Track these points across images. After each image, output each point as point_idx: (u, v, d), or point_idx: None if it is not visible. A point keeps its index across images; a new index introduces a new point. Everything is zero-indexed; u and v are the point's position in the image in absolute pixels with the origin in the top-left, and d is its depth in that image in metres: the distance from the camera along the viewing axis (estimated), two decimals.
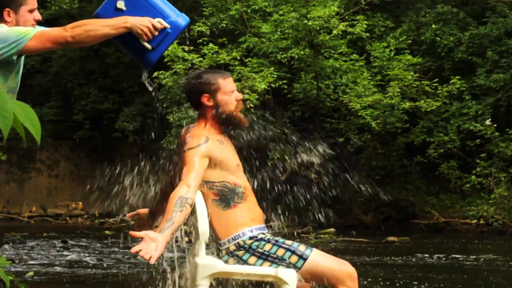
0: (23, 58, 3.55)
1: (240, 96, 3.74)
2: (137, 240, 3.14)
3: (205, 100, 3.70)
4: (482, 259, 10.36)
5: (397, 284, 8.04)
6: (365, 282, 7.98)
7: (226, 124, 3.70)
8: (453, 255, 10.76)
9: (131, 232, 3.18)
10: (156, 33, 3.39)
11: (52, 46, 3.42)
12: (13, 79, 3.50)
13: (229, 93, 3.68)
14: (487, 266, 9.71)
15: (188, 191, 3.36)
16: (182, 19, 3.48)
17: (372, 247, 12.30)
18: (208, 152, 3.54)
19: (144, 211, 3.97)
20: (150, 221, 4.00)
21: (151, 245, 3.08)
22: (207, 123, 3.69)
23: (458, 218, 15.55)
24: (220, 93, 3.68)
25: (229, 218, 3.58)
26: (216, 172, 3.59)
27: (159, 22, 3.40)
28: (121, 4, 3.46)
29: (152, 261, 3.04)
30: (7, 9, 3.48)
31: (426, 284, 7.95)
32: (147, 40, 3.40)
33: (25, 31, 3.35)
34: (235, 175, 3.63)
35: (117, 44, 3.57)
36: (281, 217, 18.55)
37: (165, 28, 3.41)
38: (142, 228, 3.94)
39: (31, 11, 3.54)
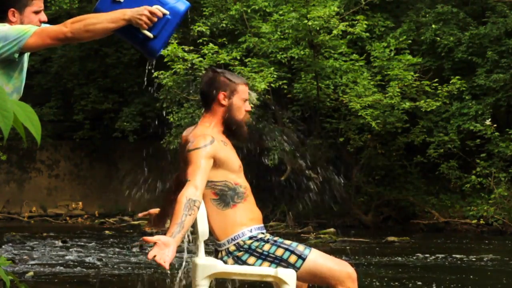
0: (26, 56, 3.55)
1: (249, 108, 3.72)
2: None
3: (221, 97, 3.66)
4: (483, 259, 10.36)
5: (400, 284, 8.04)
6: (366, 283, 7.97)
7: (229, 130, 3.68)
8: (454, 255, 10.76)
9: (145, 238, 3.21)
10: (155, 19, 3.39)
11: (52, 42, 3.43)
12: (17, 78, 3.51)
13: (243, 100, 3.68)
14: (489, 266, 9.71)
15: (196, 193, 3.35)
16: (181, 4, 3.46)
17: (372, 247, 12.30)
18: (213, 152, 3.53)
19: (155, 211, 3.98)
20: (160, 221, 4.03)
21: (165, 250, 3.11)
22: (213, 121, 3.67)
23: (458, 218, 15.54)
24: (236, 97, 3.67)
25: (228, 217, 3.57)
26: (218, 172, 3.58)
27: (157, 9, 3.40)
28: None
29: (167, 266, 3.08)
30: (12, 9, 3.49)
31: (434, 285, 7.95)
32: (148, 28, 3.40)
33: (25, 28, 3.37)
34: (237, 175, 3.63)
35: (120, 37, 3.58)
36: (281, 217, 18.62)
37: (164, 14, 3.41)
38: (154, 226, 4.02)
39: (36, 12, 3.55)
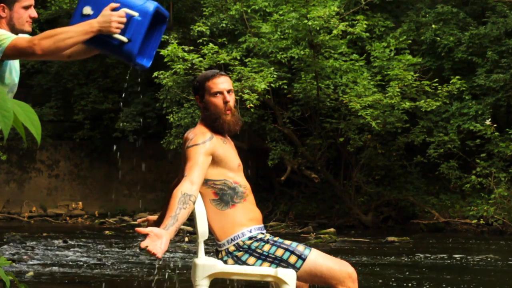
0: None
1: (228, 98, 3.63)
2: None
3: (197, 101, 3.72)
4: (483, 259, 10.36)
5: (412, 285, 8.04)
6: (365, 283, 7.97)
7: (212, 128, 3.65)
8: (454, 255, 10.76)
9: (137, 229, 3.21)
10: (124, 20, 3.37)
11: (23, 57, 3.43)
12: (9, 78, 3.52)
13: (214, 94, 3.63)
14: (489, 266, 9.71)
15: (191, 188, 3.36)
16: (149, 4, 3.45)
17: (372, 247, 12.30)
18: (212, 149, 3.54)
19: (153, 217, 3.97)
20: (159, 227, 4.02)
21: (157, 241, 3.13)
22: (205, 124, 3.68)
23: (458, 218, 15.54)
24: (206, 95, 3.66)
25: (227, 218, 3.57)
26: (218, 171, 3.58)
27: (124, 11, 3.39)
28: (87, 10, 3.46)
29: (159, 256, 3.11)
30: (2, 4, 3.50)
31: (432, 285, 7.94)
32: (121, 33, 3.39)
33: (3, 37, 3.36)
34: (236, 174, 3.62)
35: (97, 49, 3.57)
36: (281, 217, 18.61)
37: (133, 16, 3.40)
38: None
39: (26, 7, 3.55)
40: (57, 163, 20.33)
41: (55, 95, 20.62)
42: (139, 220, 4.03)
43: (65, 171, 20.33)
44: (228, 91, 3.65)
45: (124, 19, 3.37)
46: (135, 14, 3.40)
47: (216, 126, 3.63)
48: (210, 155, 3.52)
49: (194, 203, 3.35)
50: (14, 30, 3.57)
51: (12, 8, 3.53)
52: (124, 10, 3.38)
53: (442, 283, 8.03)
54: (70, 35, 3.32)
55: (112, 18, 3.35)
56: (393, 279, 8.34)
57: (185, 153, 3.53)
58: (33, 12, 3.58)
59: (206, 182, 3.55)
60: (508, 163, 15.37)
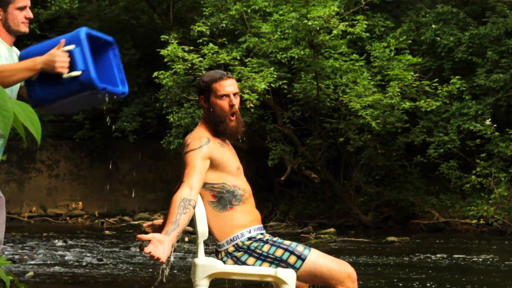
0: (10, 59, 3.59)
1: (234, 101, 3.64)
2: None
3: (202, 101, 3.71)
4: (483, 259, 10.36)
5: (405, 285, 8.04)
6: (368, 283, 7.98)
7: (215, 130, 3.66)
8: (454, 255, 10.76)
9: (139, 236, 3.23)
10: (68, 58, 3.39)
11: None
12: None
13: (221, 96, 3.63)
14: (488, 266, 9.71)
15: (190, 193, 3.37)
16: (78, 31, 3.47)
17: (372, 247, 12.30)
18: (209, 153, 3.54)
19: (159, 222, 3.98)
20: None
21: (159, 247, 3.16)
22: (207, 125, 3.68)
23: (458, 218, 15.54)
24: (212, 96, 3.64)
25: (226, 220, 3.58)
26: (216, 174, 3.58)
27: (64, 51, 3.40)
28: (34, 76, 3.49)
29: (163, 261, 3.15)
30: None
31: (435, 285, 7.94)
32: (70, 71, 3.40)
33: None
34: (235, 177, 3.63)
35: (63, 107, 3.59)
36: (281, 217, 18.59)
37: (71, 50, 3.40)
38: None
39: (21, 9, 3.56)
40: (57, 163, 20.33)
41: None
42: (145, 224, 4.05)
43: (65, 171, 20.33)
44: (234, 94, 3.66)
45: (67, 58, 3.38)
46: (72, 46, 3.41)
47: (219, 130, 3.64)
48: (208, 159, 3.53)
49: (194, 207, 3.37)
50: (10, 31, 3.58)
51: (7, 9, 3.53)
52: (62, 49, 3.40)
53: (445, 283, 8.02)
54: (14, 72, 3.39)
55: (56, 58, 3.37)
56: (395, 280, 8.34)
57: (183, 159, 3.55)
58: (28, 13, 3.59)
59: (204, 185, 3.56)
60: (508, 163, 15.37)
